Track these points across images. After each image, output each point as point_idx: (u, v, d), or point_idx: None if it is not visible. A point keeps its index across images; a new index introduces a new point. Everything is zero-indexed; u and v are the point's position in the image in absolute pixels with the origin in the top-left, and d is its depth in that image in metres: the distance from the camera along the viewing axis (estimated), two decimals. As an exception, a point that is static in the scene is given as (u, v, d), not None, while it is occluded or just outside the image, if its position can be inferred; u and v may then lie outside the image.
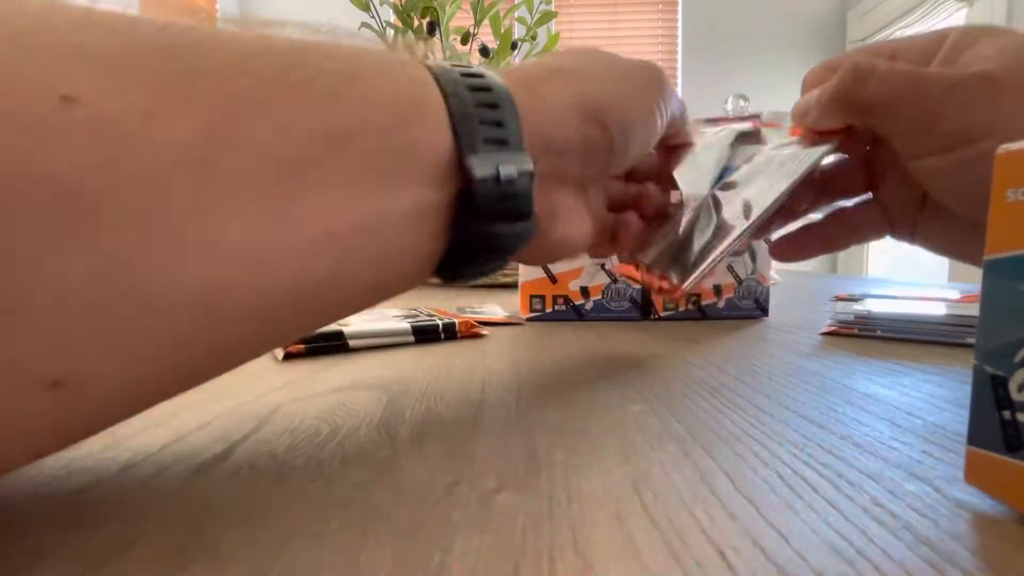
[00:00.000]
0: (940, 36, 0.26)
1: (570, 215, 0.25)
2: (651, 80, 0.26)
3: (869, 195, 0.32)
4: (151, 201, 0.12)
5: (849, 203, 0.32)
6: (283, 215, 0.15)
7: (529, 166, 0.20)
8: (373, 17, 0.92)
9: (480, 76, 0.20)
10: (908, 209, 0.30)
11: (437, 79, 0.19)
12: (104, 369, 0.13)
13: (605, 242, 0.30)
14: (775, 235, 0.34)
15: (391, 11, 0.93)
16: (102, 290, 0.12)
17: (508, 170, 0.19)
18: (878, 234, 0.32)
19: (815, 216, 0.33)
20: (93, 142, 0.12)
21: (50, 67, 0.12)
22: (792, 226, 0.33)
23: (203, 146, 0.13)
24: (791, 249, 0.33)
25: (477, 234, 0.20)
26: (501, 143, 0.19)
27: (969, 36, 0.25)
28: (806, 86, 0.31)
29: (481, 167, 0.19)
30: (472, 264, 0.21)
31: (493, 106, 0.20)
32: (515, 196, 0.20)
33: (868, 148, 0.31)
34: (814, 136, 0.31)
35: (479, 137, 0.19)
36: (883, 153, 0.31)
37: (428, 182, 0.18)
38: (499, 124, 0.20)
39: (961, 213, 0.27)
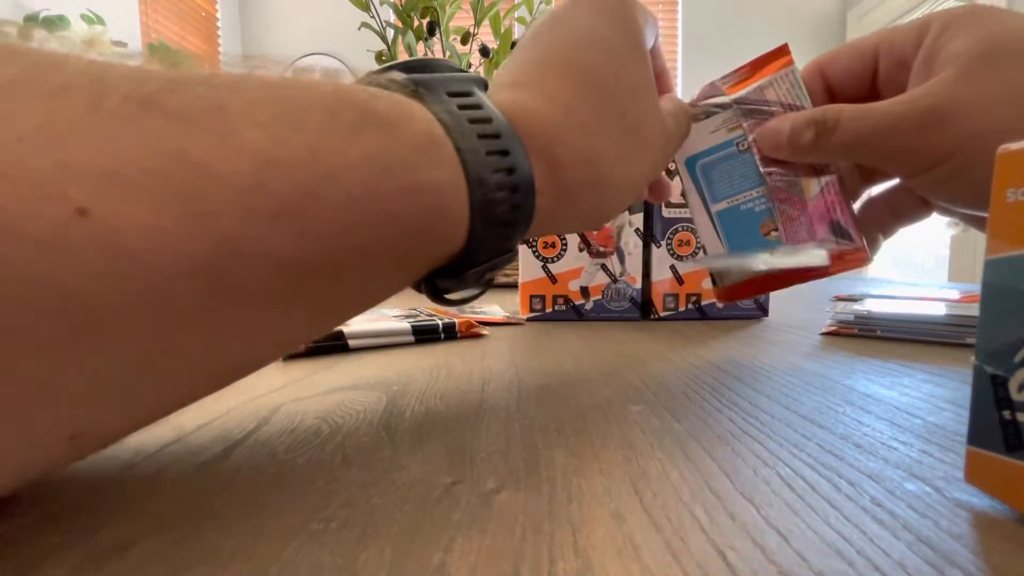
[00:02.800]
0: (922, 27, 0.26)
1: None
2: (654, 173, 0.26)
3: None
4: (157, 311, 0.13)
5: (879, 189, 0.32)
6: (285, 311, 0.16)
7: (515, 250, 0.22)
8: (373, 17, 0.92)
9: (512, 171, 0.19)
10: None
11: (469, 181, 0.18)
12: (114, 426, 0.15)
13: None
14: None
15: (391, 11, 0.93)
16: (114, 379, 0.13)
17: (492, 266, 0.21)
18: (922, 216, 0.31)
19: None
20: (106, 254, 0.12)
21: (61, 175, 0.12)
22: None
23: (210, 260, 0.13)
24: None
25: (437, 293, 0.21)
26: (506, 239, 0.20)
27: (948, 29, 0.25)
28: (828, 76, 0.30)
29: (473, 274, 0.20)
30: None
31: (515, 208, 0.20)
32: (485, 277, 0.22)
33: None
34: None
35: (487, 253, 0.20)
36: None
37: (427, 269, 0.20)
38: (512, 236, 0.20)
39: (962, 210, 0.28)
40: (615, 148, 0.23)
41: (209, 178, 0.13)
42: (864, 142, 0.26)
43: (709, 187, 0.31)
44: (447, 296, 0.22)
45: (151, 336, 0.13)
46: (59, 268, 0.11)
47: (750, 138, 0.30)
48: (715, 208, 0.31)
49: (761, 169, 0.30)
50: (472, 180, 0.18)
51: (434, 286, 0.21)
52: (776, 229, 0.30)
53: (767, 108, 0.30)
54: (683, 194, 0.32)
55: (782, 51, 0.30)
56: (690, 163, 0.32)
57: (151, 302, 0.13)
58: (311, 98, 0.16)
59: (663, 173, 0.31)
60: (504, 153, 0.19)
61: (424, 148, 0.17)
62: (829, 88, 0.30)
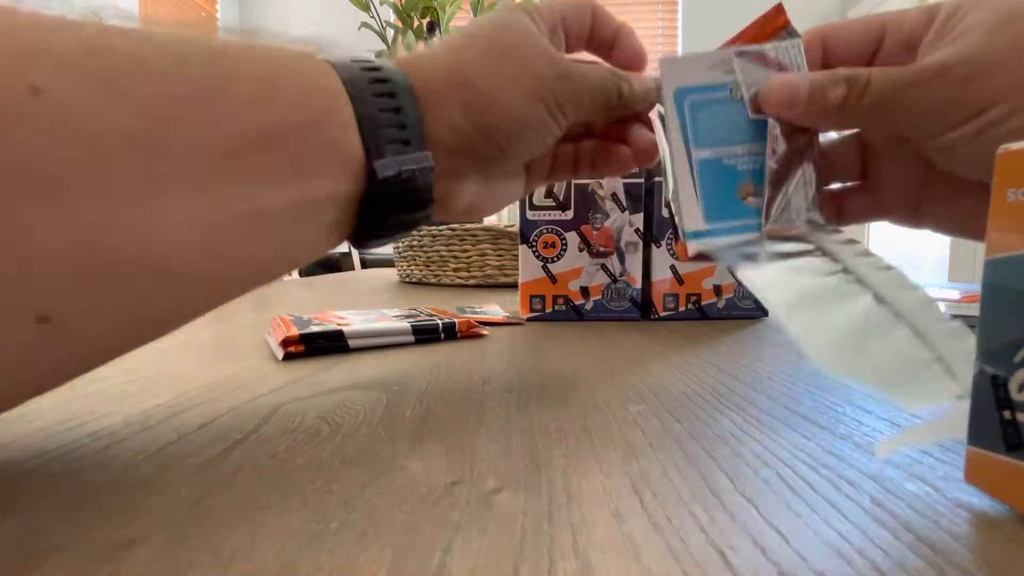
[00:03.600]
0: (932, 11, 0.26)
1: (474, 195, 0.27)
2: (545, 88, 0.26)
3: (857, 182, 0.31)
4: (104, 180, 0.15)
5: (837, 186, 0.32)
6: (215, 198, 0.18)
7: (429, 163, 0.23)
8: (373, 17, 0.92)
9: (386, 81, 0.22)
10: (906, 193, 0.30)
11: (345, 83, 0.21)
12: (82, 310, 0.16)
13: (576, 169, 0.32)
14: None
15: (391, 11, 0.93)
16: (72, 247, 0.15)
17: (409, 169, 0.22)
18: (870, 218, 0.31)
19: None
20: (57, 127, 0.14)
21: (19, 60, 0.14)
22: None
23: (147, 138, 0.16)
24: None
25: (382, 219, 0.23)
26: (404, 143, 0.22)
27: (960, 10, 0.25)
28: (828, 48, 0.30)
29: (385, 169, 0.22)
30: (379, 238, 0.24)
31: (396, 110, 0.22)
32: (416, 190, 0.23)
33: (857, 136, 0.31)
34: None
35: (384, 140, 0.22)
36: (873, 145, 0.30)
37: (342, 177, 0.21)
38: (402, 127, 0.22)
39: (979, 180, 0.27)
40: (486, 64, 0.25)
41: (133, 62, 0.16)
42: (900, 98, 0.25)
43: (695, 128, 0.30)
44: (370, 242, 0.24)
45: (99, 212, 0.15)
46: (14, 137, 0.13)
47: (747, 95, 0.29)
48: (697, 155, 0.29)
49: (777, 130, 0.28)
50: (344, 77, 0.21)
51: (364, 223, 0.23)
52: (754, 194, 0.29)
53: (767, 65, 0.29)
54: (665, 133, 0.30)
55: (778, 11, 0.29)
56: (679, 95, 0.30)
57: (96, 173, 0.15)
58: (208, 33, 0.20)
59: (645, 131, 0.31)
60: (376, 68, 0.22)
61: (302, 57, 0.21)
62: (825, 59, 0.29)
